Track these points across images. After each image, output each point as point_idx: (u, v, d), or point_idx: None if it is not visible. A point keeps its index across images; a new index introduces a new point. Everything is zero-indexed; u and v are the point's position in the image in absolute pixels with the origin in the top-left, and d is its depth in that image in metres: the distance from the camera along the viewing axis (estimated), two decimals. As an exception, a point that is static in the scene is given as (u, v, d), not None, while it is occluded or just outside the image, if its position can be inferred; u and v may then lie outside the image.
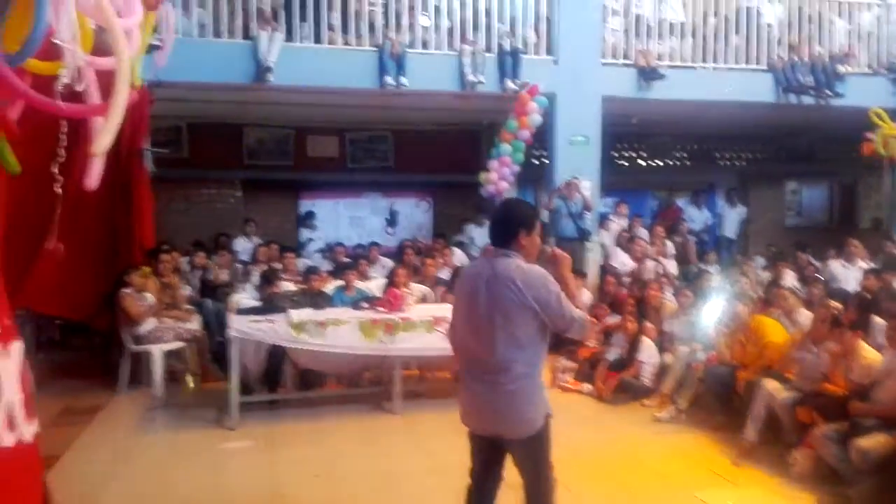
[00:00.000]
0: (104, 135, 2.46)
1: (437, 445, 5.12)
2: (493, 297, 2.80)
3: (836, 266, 8.02)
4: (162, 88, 7.38)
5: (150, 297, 6.61)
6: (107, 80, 2.56)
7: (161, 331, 6.49)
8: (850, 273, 7.60)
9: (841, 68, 9.62)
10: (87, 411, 5.92)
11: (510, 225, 2.88)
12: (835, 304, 5.23)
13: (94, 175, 2.97)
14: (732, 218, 11.75)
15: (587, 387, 6.46)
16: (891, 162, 9.27)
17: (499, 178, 8.36)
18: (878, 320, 5.14)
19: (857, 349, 4.63)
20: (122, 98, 2.42)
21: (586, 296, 8.00)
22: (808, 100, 9.50)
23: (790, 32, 9.77)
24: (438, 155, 11.33)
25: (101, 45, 2.57)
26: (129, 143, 6.92)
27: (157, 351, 6.32)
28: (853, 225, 13.29)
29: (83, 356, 7.65)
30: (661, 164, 12.76)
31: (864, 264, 7.96)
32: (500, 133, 8.46)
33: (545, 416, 2.88)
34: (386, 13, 8.46)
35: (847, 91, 9.53)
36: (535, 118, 8.22)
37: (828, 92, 9.42)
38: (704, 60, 9.42)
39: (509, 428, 2.86)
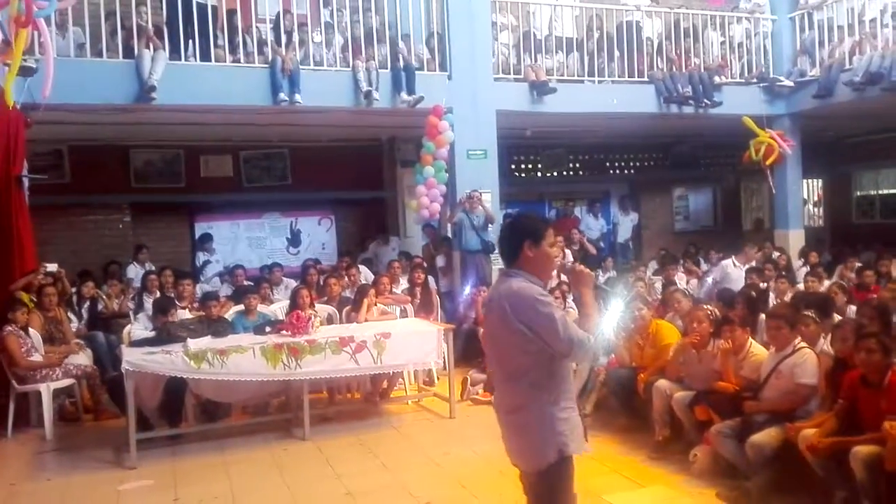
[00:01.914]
0: None
1: (350, 469, 5.04)
2: (490, 323, 2.75)
3: (729, 266, 8.45)
4: (39, 111, 6.98)
5: (34, 334, 6.21)
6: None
7: (47, 368, 6.09)
8: (741, 272, 8.02)
9: (717, 79, 10.21)
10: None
11: (513, 239, 2.69)
12: (707, 307, 5.46)
13: None
14: (626, 225, 12.24)
15: (497, 398, 6.51)
16: (764, 167, 9.88)
17: (430, 200, 8.40)
18: (763, 318, 5.44)
19: (747, 346, 4.88)
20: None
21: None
22: (688, 109, 10.02)
23: (669, 46, 10.30)
24: (339, 171, 11.21)
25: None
26: (3, 169, 6.48)
27: (45, 389, 5.93)
28: (737, 227, 14.09)
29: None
30: (557, 174, 13.12)
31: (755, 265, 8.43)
32: (420, 157, 8.49)
33: (558, 452, 2.62)
34: (277, 29, 8.33)
35: (723, 100, 10.11)
36: (449, 135, 8.36)
37: (706, 101, 9.97)
38: (591, 74, 9.79)
39: (518, 459, 2.74)
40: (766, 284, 7.37)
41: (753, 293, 6.35)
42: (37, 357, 6.14)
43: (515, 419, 2.69)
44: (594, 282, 2.96)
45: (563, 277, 8.39)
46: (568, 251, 9.23)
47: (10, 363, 6.00)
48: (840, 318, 5.21)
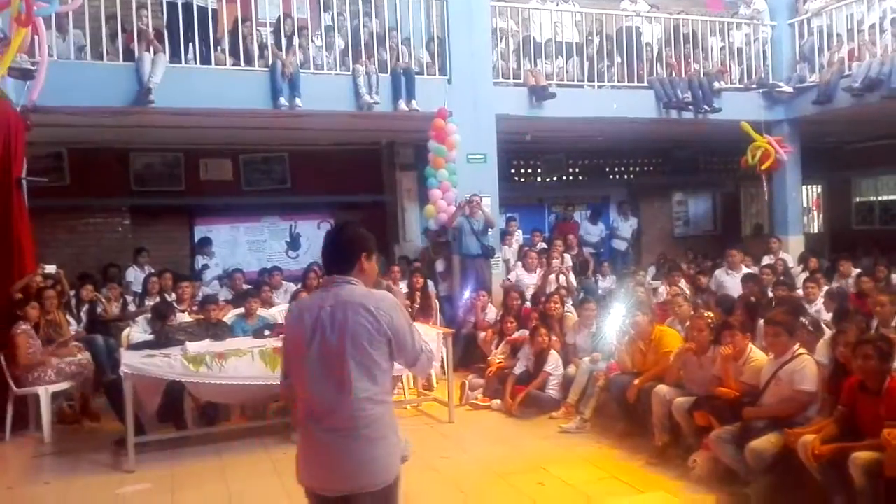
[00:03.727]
0: None
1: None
2: (341, 327, 2.50)
3: (722, 274, 8.46)
4: (39, 114, 6.99)
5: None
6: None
7: (45, 370, 6.07)
8: (735, 280, 8.03)
9: (717, 84, 10.23)
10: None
11: (352, 249, 2.63)
12: (708, 313, 5.47)
13: None
14: (625, 230, 12.24)
15: (496, 403, 6.52)
16: (760, 172, 9.90)
17: (447, 204, 8.39)
18: (762, 323, 5.44)
19: (747, 352, 4.88)
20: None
21: (491, 312, 8.14)
22: (687, 115, 10.04)
23: (669, 51, 10.32)
24: (338, 175, 11.21)
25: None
26: (3, 172, 6.48)
27: (43, 392, 5.92)
28: (736, 232, 14.10)
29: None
30: (556, 179, 13.13)
31: (747, 269, 8.44)
32: (431, 161, 8.48)
33: (402, 459, 2.62)
34: (277, 33, 8.35)
35: (723, 105, 10.12)
36: (457, 138, 8.37)
37: (705, 107, 9.99)
38: (591, 79, 9.80)
39: (368, 480, 2.51)
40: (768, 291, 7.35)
41: (752, 299, 6.36)
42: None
43: (373, 432, 2.51)
44: (403, 300, 2.96)
45: (563, 282, 8.45)
46: (567, 256, 9.22)
47: (12, 360, 6.00)
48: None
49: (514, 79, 9.41)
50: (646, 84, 10.00)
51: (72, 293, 7.57)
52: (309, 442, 2.60)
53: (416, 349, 2.60)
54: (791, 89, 10.41)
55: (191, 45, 7.97)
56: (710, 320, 5.22)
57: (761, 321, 5.38)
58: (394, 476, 2.57)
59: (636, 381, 5.39)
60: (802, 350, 4.54)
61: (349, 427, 2.50)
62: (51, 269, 6.93)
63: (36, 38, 6.27)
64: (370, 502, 2.52)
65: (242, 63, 8.11)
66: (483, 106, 8.96)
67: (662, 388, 5.11)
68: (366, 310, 2.51)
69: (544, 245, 9.57)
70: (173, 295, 7.66)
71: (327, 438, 2.52)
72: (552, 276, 8.50)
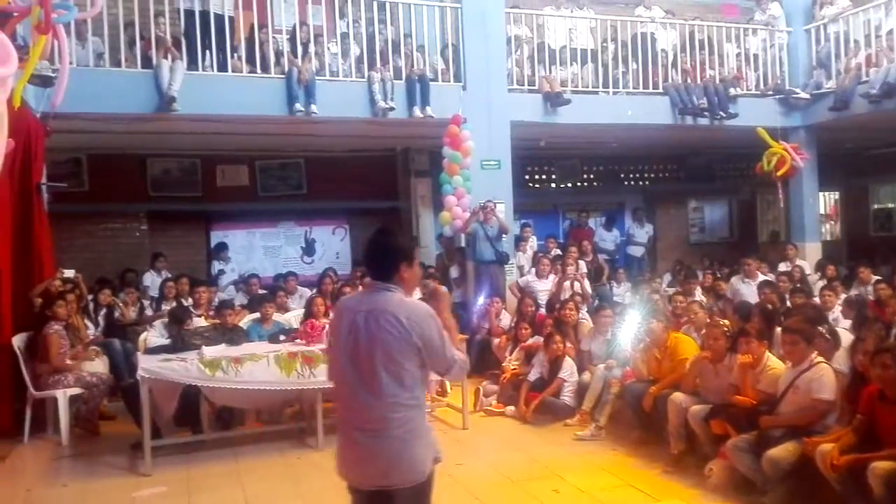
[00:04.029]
0: None
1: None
2: (373, 334, 2.58)
3: (738, 282, 8.41)
4: (59, 120, 7.07)
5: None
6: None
7: (65, 374, 6.11)
8: (751, 288, 7.98)
9: (732, 90, 10.18)
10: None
11: (390, 257, 2.68)
12: (724, 321, 5.44)
13: None
14: (641, 236, 12.19)
15: (510, 409, 6.50)
16: (776, 178, 9.84)
17: (462, 210, 8.41)
18: (779, 331, 5.40)
19: (764, 360, 4.85)
20: (1, 146, 2.30)
21: (505, 318, 8.14)
22: (703, 121, 10.01)
23: (684, 57, 10.29)
24: (353, 181, 11.26)
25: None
26: (23, 177, 6.57)
27: (62, 395, 5.97)
28: (753, 239, 14.01)
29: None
30: (571, 185, 13.11)
31: (763, 277, 8.39)
32: (445, 167, 8.49)
33: (434, 461, 2.68)
34: (293, 40, 8.41)
35: (739, 112, 10.08)
36: (472, 144, 8.40)
37: (721, 113, 9.95)
38: (605, 86, 9.79)
39: (400, 477, 2.60)
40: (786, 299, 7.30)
41: (769, 306, 6.30)
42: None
43: (404, 432, 2.59)
44: (451, 303, 2.98)
45: (577, 288, 8.42)
46: (582, 262, 9.20)
47: (44, 360, 6.07)
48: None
49: (528, 85, 9.42)
50: (661, 90, 9.98)
51: (90, 297, 7.65)
52: (344, 439, 2.71)
53: (447, 358, 2.64)
54: (807, 95, 10.35)
55: (208, 52, 8.04)
56: (725, 328, 5.19)
57: (778, 329, 5.34)
58: (425, 475, 2.63)
59: (652, 389, 5.36)
60: (820, 358, 4.50)
61: (380, 428, 2.59)
62: (69, 273, 7.01)
63: (56, 44, 6.35)
64: (402, 499, 2.61)
65: (259, 70, 8.17)
66: (497, 112, 8.98)
67: (678, 396, 5.08)
68: (396, 320, 2.56)
69: (559, 251, 9.54)
70: (190, 300, 7.71)
71: (361, 437, 2.62)
72: (567, 283, 8.48)
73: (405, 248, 2.74)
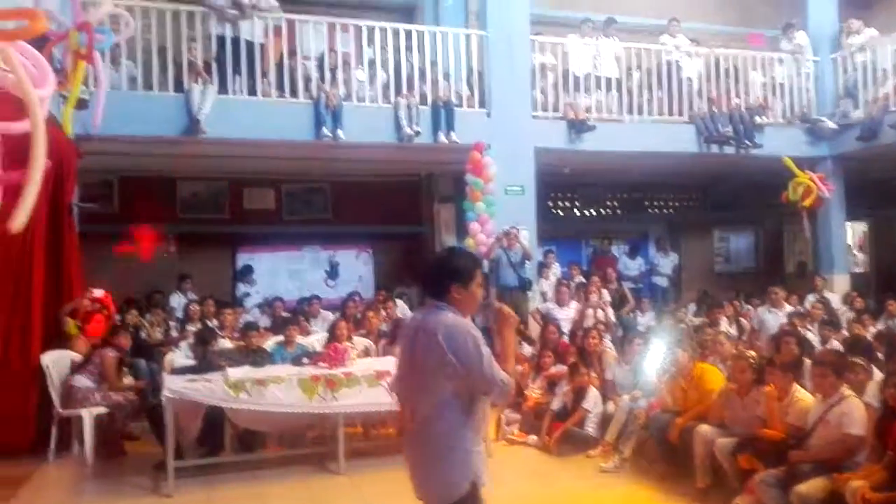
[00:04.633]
0: (22, 210, 2.36)
1: (384, 506, 5.01)
2: (417, 352, 2.71)
3: (764, 312, 8.31)
4: (91, 142, 7.22)
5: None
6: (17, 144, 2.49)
7: (87, 394, 6.17)
8: (777, 318, 7.90)
9: (758, 119, 10.15)
10: (13, 483, 5.52)
11: (442, 277, 2.76)
12: (750, 353, 5.36)
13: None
14: (665, 265, 12.09)
15: (533, 438, 6.44)
16: (802, 208, 9.75)
17: (486, 236, 8.45)
18: (809, 363, 5.32)
19: (792, 392, 4.78)
20: (38, 169, 2.35)
21: (526, 346, 8.09)
22: (728, 150, 9.97)
23: (709, 86, 10.28)
24: (377, 205, 11.34)
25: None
26: (55, 197, 6.70)
27: (87, 414, 6.02)
28: (779, 270, 13.84)
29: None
30: (594, 213, 13.08)
31: (790, 308, 8.28)
32: (468, 194, 8.53)
33: (471, 483, 2.66)
34: (321, 67, 8.54)
35: (765, 141, 10.03)
36: (494, 170, 8.43)
37: (747, 142, 9.91)
38: (630, 113, 9.80)
39: (429, 491, 2.71)
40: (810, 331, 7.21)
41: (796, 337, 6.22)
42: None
43: (430, 450, 2.69)
44: (517, 325, 2.95)
45: (601, 316, 8.36)
46: (605, 291, 9.14)
47: (101, 381, 6.25)
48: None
49: (553, 112, 9.46)
50: (686, 118, 9.96)
51: (117, 318, 7.74)
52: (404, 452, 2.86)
53: (487, 378, 2.62)
54: (834, 125, 10.29)
55: (238, 77, 8.19)
56: (752, 360, 5.12)
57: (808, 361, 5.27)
58: (454, 497, 2.65)
59: (678, 421, 5.29)
60: (851, 392, 4.42)
61: (417, 442, 2.74)
62: (98, 293, 7.11)
63: (91, 68, 6.52)
64: None
65: (288, 95, 8.30)
66: (522, 139, 9.02)
67: (705, 429, 5.01)
68: (435, 337, 2.63)
69: (582, 279, 9.50)
70: (215, 321, 7.77)
71: (406, 450, 2.82)
72: (590, 311, 8.43)
73: (458, 269, 2.77)
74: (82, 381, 6.19)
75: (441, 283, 2.75)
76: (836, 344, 6.46)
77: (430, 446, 2.68)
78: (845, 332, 7.11)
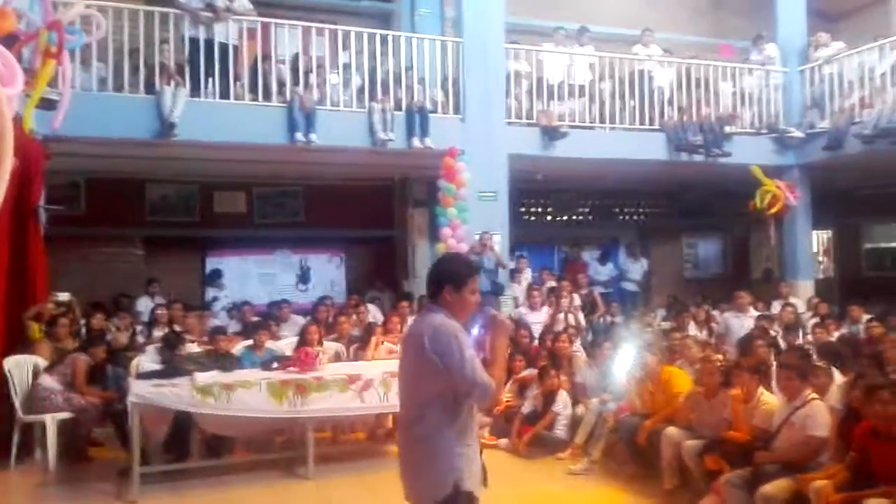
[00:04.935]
0: None
1: (353, 510, 4.99)
2: (406, 352, 2.80)
3: (730, 317, 8.41)
4: (59, 143, 7.11)
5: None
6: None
7: (51, 396, 6.04)
8: (742, 322, 8.00)
9: (727, 128, 10.31)
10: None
11: (435, 280, 2.83)
12: (717, 356, 5.44)
13: None
14: (635, 271, 12.20)
15: (503, 441, 6.45)
16: (769, 216, 9.92)
17: (457, 241, 8.45)
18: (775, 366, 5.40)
19: (758, 395, 4.85)
20: (5, 168, 2.30)
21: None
22: (698, 158, 10.10)
23: (680, 95, 10.42)
24: (350, 210, 11.31)
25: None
26: (20, 199, 6.58)
27: (49, 420, 5.91)
28: (746, 276, 14.05)
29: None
30: (566, 218, 13.17)
31: (754, 312, 8.40)
32: (440, 199, 8.57)
33: (454, 485, 2.65)
34: (295, 70, 8.50)
35: (734, 149, 10.18)
36: (467, 175, 8.47)
37: (716, 150, 10.05)
38: (602, 121, 9.90)
39: (414, 491, 2.75)
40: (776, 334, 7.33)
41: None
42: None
43: (415, 450, 2.74)
44: (510, 332, 2.99)
45: (571, 320, 8.41)
46: (576, 296, 9.19)
47: (71, 385, 6.16)
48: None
49: (526, 119, 9.51)
50: (657, 127, 10.09)
51: (82, 321, 7.61)
52: None
53: (468, 379, 2.63)
54: (802, 134, 10.48)
55: (210, 79, 8.12)
56: (719, 363, 5.19)
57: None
58: (439, 496, 2.65)
59: (646, 423, 5.34)
60: (815, 395, 4.50)
61: (403, 442, 2.81)
62: (64, 296, 6.99)
63: (59, 68, 6.43)
64: None
65: (261, 98, 8.25)
66: (496, 145, 9.06)
67: (672, 431, 5.07)
68: (421, 339, 2.69)
69: (553, 284, 9.55)
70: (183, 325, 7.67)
71: (399, 451, 2.85)
72: (560, 315, 8.47)
73: (451, 272, 2.84)
74: (49, 381, 6.10)
75: (435, 284, 2.82)
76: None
77: (414, 446, 2.73)
78: (809, 337, 7.23)
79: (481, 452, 2.85)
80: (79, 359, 6.27)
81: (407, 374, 2.80)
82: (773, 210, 9.75)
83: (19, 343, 6.38)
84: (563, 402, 6.32)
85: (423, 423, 2.70)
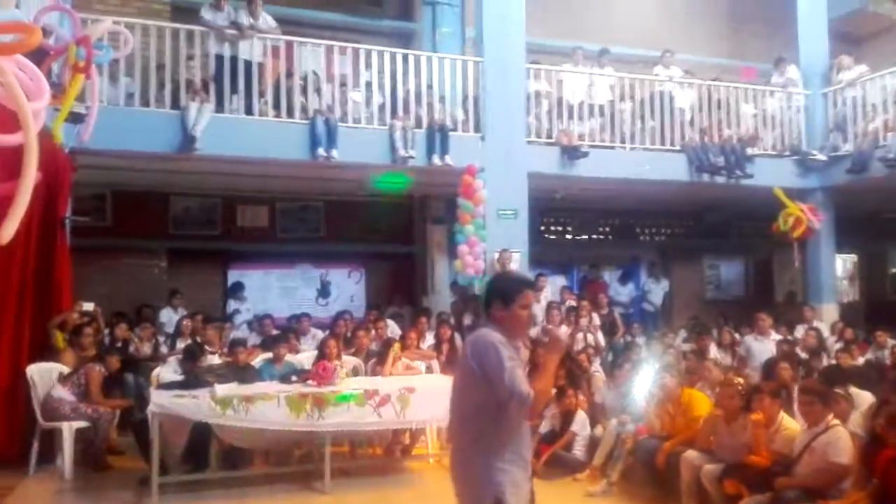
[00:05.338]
0: (11, 221, 2.37)
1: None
2: (455, 367, 2.95)
3: (750, 340, 8.32)
4: (86, 156, 7.25)
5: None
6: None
7: (60, 408, 6.09)
8: (764, 345, 7.92)
9: (749, 150, 10.26)
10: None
11: (488, 296, 2.93)
12: (738, 379, 5.37)
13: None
14: (656, 292, 12.14)
15: (520, 461, 6.41)
16: (792, 238, 9.84)
17: (474, 259, 8.47)
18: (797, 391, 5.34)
19: (779, 419, 4.80)
20: (29, 181, 2.37)
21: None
22: (719, 179, 10.06)
23: (702, 116, 10.41)
24: (370, 225, 11.41)
25: None
26: (48, 211, 6.70)
27: (66, 428, 5.97)
28: (769, 299, 13.91)
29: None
30: (586, 238, 13.15)
31: (776, 336, 8.31)
32: (458, 216, 8.63)
33: (494, 499, 2.67)
34: (318, 88, 8.61)
35: (756, 171, 10.14)
36: (485, 193, 8.51)
37: (738, 172, 10.00)
38: (622, 141, 9.90)
39: (461, 501, 2.82)
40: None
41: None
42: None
43: (460, 464, 2.81)
44: (564, 349, 3.00)
45: (590, 340, 8.38)
46: (595, 315, 9.16)
47: (86, 395, 6.22)
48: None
49: (546, 138, 9.54)
50: (678, 148, 10.07)
51: (106, 331, 7.71)
52: None
53: (506, 386, 2.63)
54: (825, 157, 10.41)
55: (235, 96, 8.25)
56: (740, 387, 5.14)
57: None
58: None
59: (665, 446, 5.29)
60: (836, 421, 4.45)
61: (451, 453, 2.92)
62: (88, 306, 7.08)
63: (88, 82, 6.57)
64: None
65: (284, 115, 8.36)
66: (515, 163, 9.09)
67: (692, 454, 5.02)
68: (465, 351, 2.84)
69: (573, 303, 9.52)
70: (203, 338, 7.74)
71: (449, 461, 2.96)
72: (580, 335, 8.44)
73: (500, 289, 2.91)
74: (61, 392, 6.15)
75: (487, 301, 2.91)
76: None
77: (456, 458, 2.84)
78: (833, 363, 7.14)
79: (532, 478, 2.88)
80: (93, 369, 6.31)
81: (454, 386, 2.89)
82: (797, 233, 9.68)
83: (44, 351, 6.47)
84: (580, 422, 6.28)
85: (465, 435, 2.80)
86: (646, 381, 6.01)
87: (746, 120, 10.68)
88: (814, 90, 10.89)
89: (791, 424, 4.77)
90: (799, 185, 10.46)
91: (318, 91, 8.63)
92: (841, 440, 4.30)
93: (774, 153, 10.67)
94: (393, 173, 9.11)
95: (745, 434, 4.87)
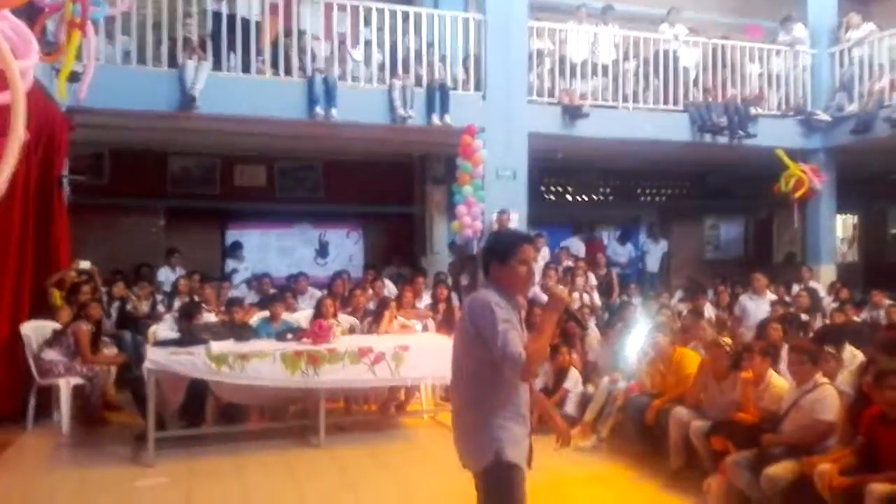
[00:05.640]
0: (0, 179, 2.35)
1: (362, 479, 5.08)
2: (456, 327, 2.97)
3: (745, 300, 8.34)
4: (83, 115, 7.22)
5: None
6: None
7: (53, 369, 6.15)
8: (759, 305, 7.94)
9: (753, 110, 10.14)
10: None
11: (485, 256, 2.91)
12: (726, 340, 5.37)
13: None
14: (655, 252, 12.13)
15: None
16: (793, 199, 9.78)
17: (472, 219, 8.47)
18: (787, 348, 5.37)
19: (767, 377, 4.83)
20: (17, 139, 2.35)
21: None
22: (722, 139, 9.96)
23: (706, 75, 10.27)
24: (369, 185, 11.37)
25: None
26: (45, 170, 6.70)
27: (64, 384, 6.05)
28: (768, 259, 13.90)
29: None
30: (586, 198, 13.10)
31: (771, 296, 8.32)
32: (456, 177, 8.58)
33: (494, 454, 2.71)
34: (317, 46, 8.51)
35: (759, 131, 10.03)
36: (484, 153, 8.46)
37: (741, 132, 9.90)
38: (625, 101, 9.79)
39: (464, 459, 2.86)
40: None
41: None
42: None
43: (461, 420, 2.85)
44: (564, 305, 3.02)
45: (586, 300, 8.40)
46: (591, 275, 9.17)
47: (75, 355, 6.24)
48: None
49: (548, 97, 9.44)
50: (681, 107, 9.96)
51: (104, 290, 7.76)
52: None
53: (498, 348, 2.62)
54: (829, 118, 10.29)
55: (232, 54, 8.16)
56: (727, 347, 5.15)
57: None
58: (483, 464, 2.74)
59: (655, 403, 5.35)
60: (825, 380, 4.48)
61: (452, 411, 2.95)
62: (85, 265, 7.12)
63: (84, 40, 6.51)
64: (476, 480, 2.82)
65: (282, 73, 8.28)
66: (516, 123, 9.01)
67: (680, 411, 5.07)
68: (464, 311, 2.88)
69: (570, 263, 9.52)
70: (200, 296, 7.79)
71: (451, 418, 2.96)
72: (575, 294, 8.46)
73: (498, 246, 2.90)
74: (51, 355, 6.19)
75: (485, 261, 2.89)
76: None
77: (458, 416, 2.87)
78: (828, 322, 7.17)
79: (530, 434, 2.89)
80: (79, 328, 6.29)
81: (454, 346, 2.90)
82: (798, 193, 9.63)
83: (42, 309, 6.53)
84: (574, 379, 6.34)
85: (465, 393, 2.82)
86: (638, 339, 6.04)
87: (752, 79, 10.54)
88: (820, 49, 10.71)
89: (779, 382, 4.80)
90: (802, 145, 10.37)
91: (313, 51, 8.52)
92: (828, 398, 4.34)
93: (778, 113, 10.55)
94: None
95: (735, 392, 4.91)
